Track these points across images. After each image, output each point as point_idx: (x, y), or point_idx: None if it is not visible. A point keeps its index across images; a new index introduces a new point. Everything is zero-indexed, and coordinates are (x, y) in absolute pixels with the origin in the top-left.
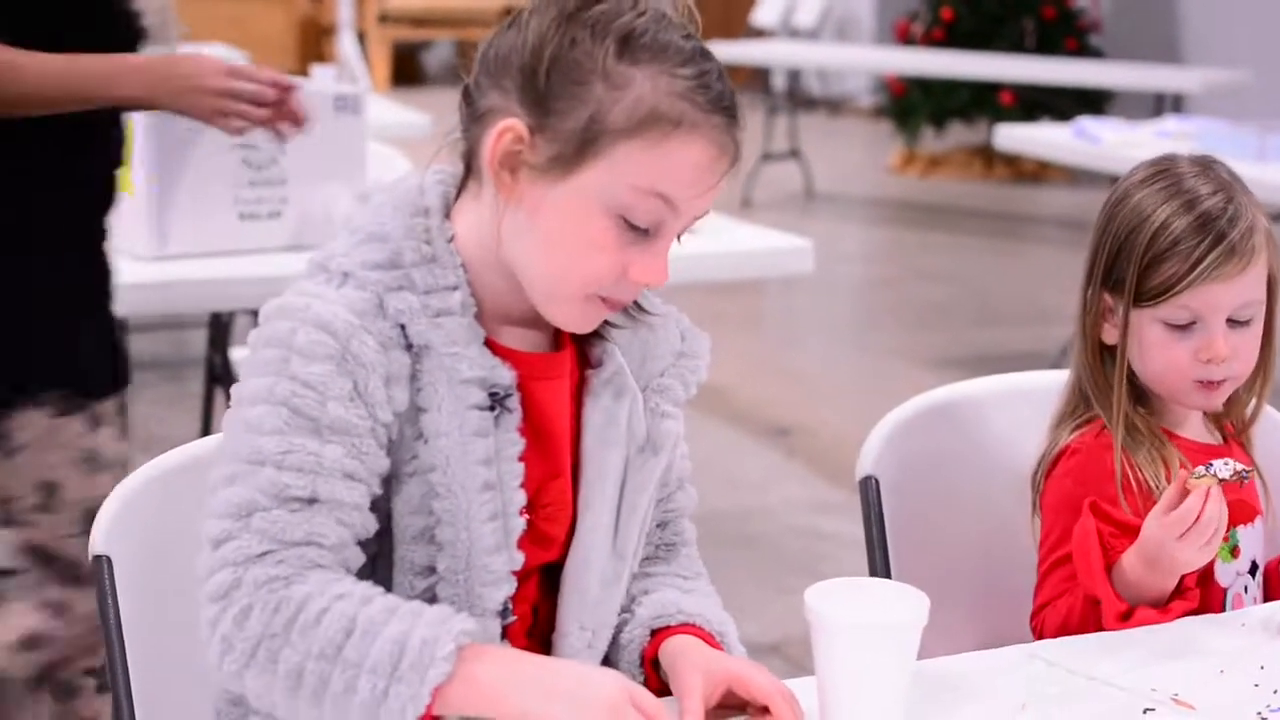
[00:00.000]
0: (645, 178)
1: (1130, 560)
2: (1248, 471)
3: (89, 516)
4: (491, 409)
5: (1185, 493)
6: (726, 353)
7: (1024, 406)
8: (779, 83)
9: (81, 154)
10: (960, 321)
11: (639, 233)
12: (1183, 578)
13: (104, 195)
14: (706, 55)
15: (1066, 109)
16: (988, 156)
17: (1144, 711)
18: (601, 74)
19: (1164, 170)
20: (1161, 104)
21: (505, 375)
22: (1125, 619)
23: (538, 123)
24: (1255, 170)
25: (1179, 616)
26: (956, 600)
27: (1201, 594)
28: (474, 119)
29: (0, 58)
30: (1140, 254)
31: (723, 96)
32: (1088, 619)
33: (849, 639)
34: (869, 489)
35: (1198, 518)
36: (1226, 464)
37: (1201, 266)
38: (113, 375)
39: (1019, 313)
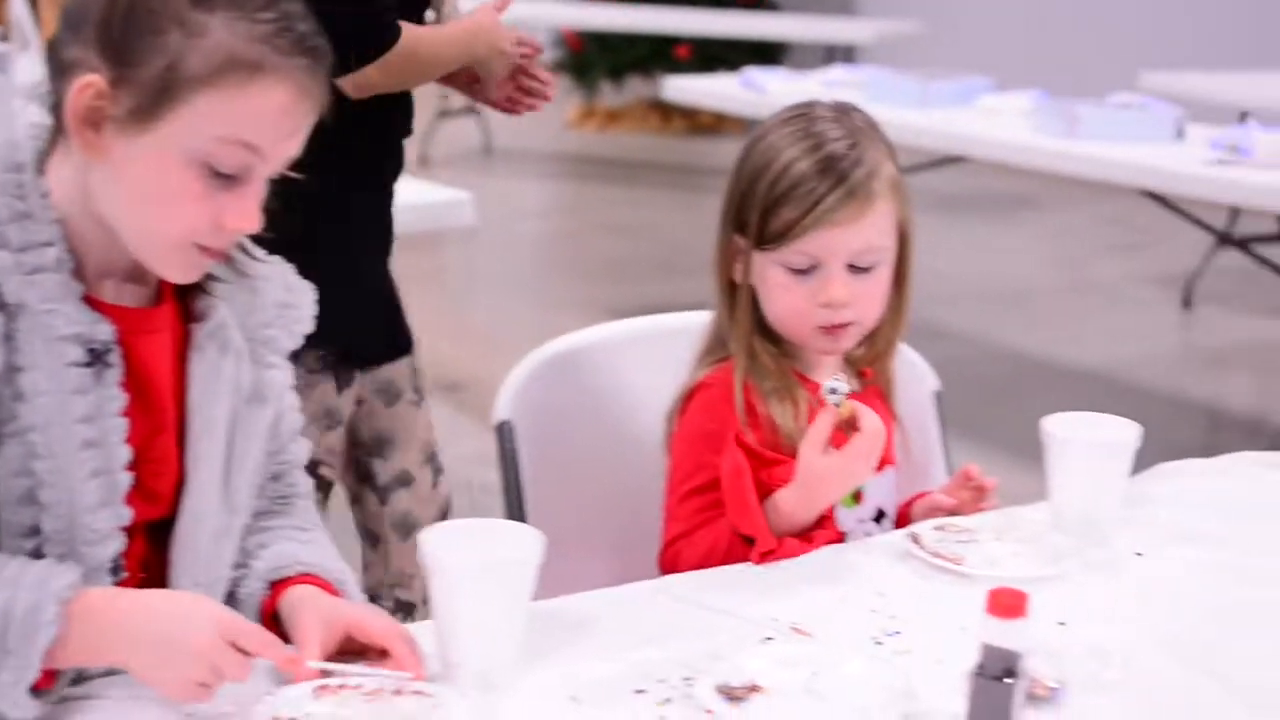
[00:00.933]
0: (227, 126)
1: (786, 495)
2: (855, 379)
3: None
4: (91, 365)
5: (841, 419)
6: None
7: (665, 348)
8: None
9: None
10: (640, 273)
11: (227, 180)
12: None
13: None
14: None
15: (742, 63)
16: (665, 110)
17: (763, 640)
18: (178, 22)
19: (800, 114)
20: (833, 55)
21: (104, 330)
22: (770, 554)
23: (117, 75)
24: (918, 117)
25: (821, 546)
26: (597, 541)
27: (819, 539)
28: (58, 74)
29: (412, 33)
30: (763, 197)
31: (305, 39)
32: (733, 551)
33: (460, 578)
34: (504, 434)
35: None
36: (839, 379)
37: (818, 210)
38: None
39: (697, 263)
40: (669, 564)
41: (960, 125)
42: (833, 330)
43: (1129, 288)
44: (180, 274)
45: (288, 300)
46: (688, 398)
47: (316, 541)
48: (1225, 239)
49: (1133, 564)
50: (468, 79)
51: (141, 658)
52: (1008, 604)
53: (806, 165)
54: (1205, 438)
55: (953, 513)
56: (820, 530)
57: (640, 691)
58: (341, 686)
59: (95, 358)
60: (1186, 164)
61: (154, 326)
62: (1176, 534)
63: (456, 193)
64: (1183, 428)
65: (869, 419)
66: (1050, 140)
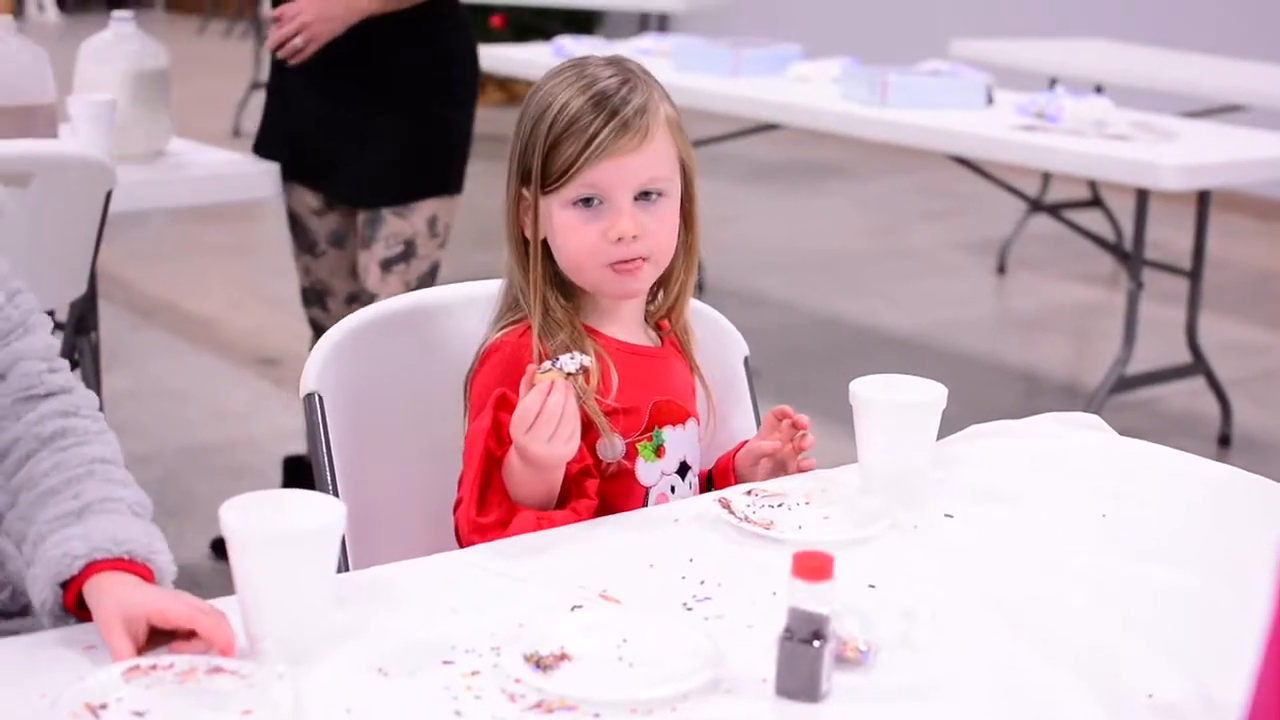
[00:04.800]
0: None
1: (511, 456)
2: (589, 363)
3: None
4: None
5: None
6: (216, 283)
7: (475, 315)
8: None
9: None
10: (460, 243)
11: None
12: (584, 483)
13: None
14: None
15: (556, 32)
16: (482, 81)
17: (572, 609)
18: None
19: (573, 65)
20: (647, 23)
21: None
22: (504, 526)
23: None
24: (729, 85)
25: (571, 522)
26: (411, 512)
27: (622, 492)
28: None
29: None
30: (543, 140)
31: None
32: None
33: (259, 550)
34: (312, 405)
35: (540, 412)
36: (573, 358)
37: (597, 141)
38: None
39: None
40: (460, 526)
41: (771, 93)
42: (625, 269)
43: (944, 254)
44: None
45: None
46: (482, 359)
47: (95, 511)
48: (1037, 205)
49: (942, 525)
50: None
51: None
52: (813, 567)
53: (581, 103)
54: (1022, 401)
55: (773, 454)
56: (581, 500)
57: (448, 662)
58: (154, 667)
59: None
60: (995, 130)
61: None
62: (985, 494)
63: (267, 164)
64: (1000, 392)
65: (551, 397)
66: (860, 107)
